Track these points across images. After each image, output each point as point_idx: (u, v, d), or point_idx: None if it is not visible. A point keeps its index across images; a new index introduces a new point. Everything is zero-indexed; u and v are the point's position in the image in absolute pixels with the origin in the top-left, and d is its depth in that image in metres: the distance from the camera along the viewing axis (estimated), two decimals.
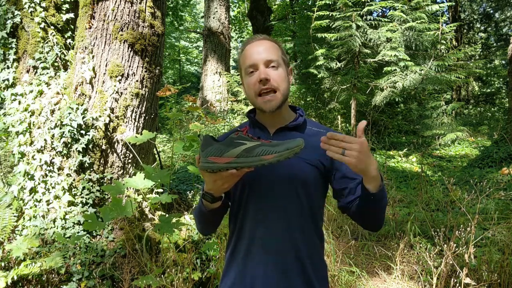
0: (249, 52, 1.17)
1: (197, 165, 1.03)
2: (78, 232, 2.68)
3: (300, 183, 1.14)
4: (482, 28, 15.24)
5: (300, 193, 1.14)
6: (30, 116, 2.85)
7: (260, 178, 1.14)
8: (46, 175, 2.79)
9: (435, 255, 2.65)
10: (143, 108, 3.10)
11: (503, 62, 15.63)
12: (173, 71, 22.15)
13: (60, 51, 3.01)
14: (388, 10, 7.67)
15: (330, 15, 6.48)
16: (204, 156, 1.00)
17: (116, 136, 2.96)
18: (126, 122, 3.01)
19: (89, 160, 2.84)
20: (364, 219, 1.15)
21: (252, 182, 1.15)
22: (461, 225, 2.48)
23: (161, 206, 3.09)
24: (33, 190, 2.80)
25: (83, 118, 2.81)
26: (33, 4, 2.93)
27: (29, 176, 2.80)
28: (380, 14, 8.47)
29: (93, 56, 2.92)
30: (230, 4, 12.65)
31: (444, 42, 6.50)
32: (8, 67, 2.97)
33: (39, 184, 2.79)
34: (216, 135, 6.95)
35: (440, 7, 6.86)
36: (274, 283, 1.14)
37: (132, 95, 3.00)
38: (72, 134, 2.78)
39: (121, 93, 2.96)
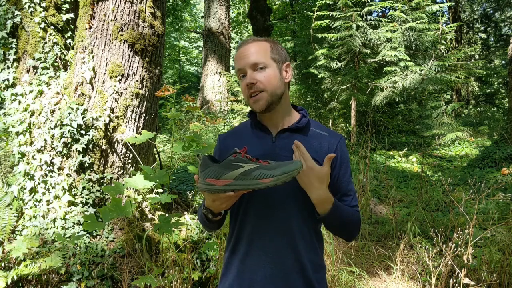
0: (238, 57, 1.18)
1: (196, 185, 1.06)
2: (78, 232, 2.68)
3: (300, 185, 1.14)
4: (482, 28, 15.24)
5: (300, 195, 1.13)
6: (30, 116, 2.85)
7: None
8: (46, 175, 2.79)
9: (434, 255, 2.65)
10: (143, 108, 3.10)
11: (503, 62, 15.63)
12: (173, 71, 22.14)
13: (60, 51, 3.01)
14: (388, 10, 7.66)
15: (330, 15, 6.48)
16: (203, 177, 1.02)
17: (116, 136, 2.96)
18: (126, 122, 3.01)
19: (89, 160, 2.84)
20: (331, 231, 1.25)
21: None
22: (460, 226, 2.48)
23: (161, 206, 3.09)
24: (33, 190, 2.80)
25: (83, 118, 2.81)
26: (33, 4, 2.94)
27: (29, 176, 2.80)
28: (380, 14, 8.47)
29: (93, 56, 2.92)
30: (230, 5, 12.64)
31: (444, 42, 6.50)
32: (8, 67, 2.97)
33: (39, 184, 2.79)
34: (216, 135, 6.95)
35: (440, 7, 6.85)
36: (273, 284, 1.14)
37: (132, 95, 3.00)
38: (72, 134, 2.78)
39: (121, 93, 2.96)
